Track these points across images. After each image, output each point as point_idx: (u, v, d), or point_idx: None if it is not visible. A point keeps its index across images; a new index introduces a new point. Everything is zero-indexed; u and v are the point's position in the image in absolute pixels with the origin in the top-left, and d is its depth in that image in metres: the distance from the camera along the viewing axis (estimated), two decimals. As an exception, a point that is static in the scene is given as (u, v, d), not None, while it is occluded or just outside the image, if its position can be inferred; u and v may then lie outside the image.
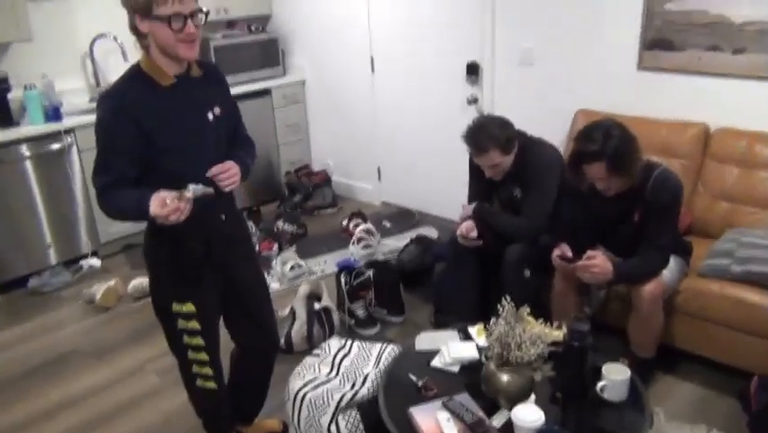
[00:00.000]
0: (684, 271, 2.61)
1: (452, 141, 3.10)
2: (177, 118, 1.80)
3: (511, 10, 3.67)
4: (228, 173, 1.84)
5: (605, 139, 2.28)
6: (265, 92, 4.78)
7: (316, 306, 2.99)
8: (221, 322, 2.12)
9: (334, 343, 2.48)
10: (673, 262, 2.52)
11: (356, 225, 3.97)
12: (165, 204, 1.66)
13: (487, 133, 2.67)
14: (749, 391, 2.43)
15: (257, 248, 3.78)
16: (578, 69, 3.50)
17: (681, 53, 3.12)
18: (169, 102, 1.79)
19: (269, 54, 4.87)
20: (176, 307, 1.94)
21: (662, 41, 3.17)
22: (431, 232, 4.05)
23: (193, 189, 1.69)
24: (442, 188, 4.29)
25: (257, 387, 2.35)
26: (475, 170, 2.90)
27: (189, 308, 1.94)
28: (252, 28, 4.84)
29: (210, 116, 1.88)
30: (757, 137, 2.90)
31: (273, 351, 2.31)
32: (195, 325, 1.96)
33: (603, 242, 2.60)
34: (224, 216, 1.97)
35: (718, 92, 3.06)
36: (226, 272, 2.03)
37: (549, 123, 3.43)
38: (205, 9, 1.77)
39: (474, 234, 2.81)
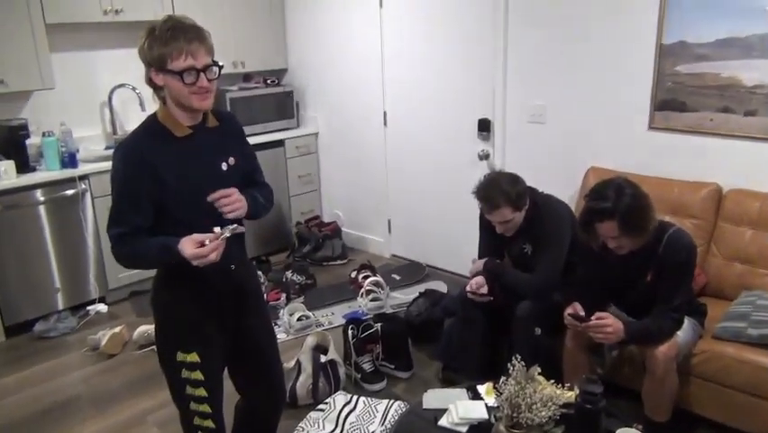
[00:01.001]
0: (699, 332, 2.56)
1: (463, 195, 3.10)
2: (190, 168, 1.81)
3: (523, 68, 3.72)
4: (230, 199, 1.81)
5: (617, 197, 2.26)
6: (278, 143, 4.84)
7: (323, 358, 2.94)
8: (226, 373, 2.09)
9: (340, 398, 2.43)
10: (688, 323, 2.47)
11: (365, 278, 3.94)
12: (201, 244, 1.68)
13: (498, 189, 2.67)
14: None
15: (264, 298, 3.76)
16: (589, 128, 3.52)
17: (692, 114, 3.14)
18: (184, 152, 1.81)
19: (284, 106, 4.95)
20: (180, 356, 1.91)
21: (673, 102, 3.20)
22: (440, 286, 4.01)
23: (230, 229, 1.74)
24: (452, 243, 4.28)
25: None
26: (485, 226, 2.89)
27: (194, 358, 1.91)
28: (268, 81, 4.94)
29: (224, 166, 1.89)
30: (770, 197, 2.89)
31: (280, 405, 2.25)
32: (198, 375, 1.93)
33: (615, 301, 2.56)
34: (233, 266, 1.96)
35: (731, 153, 3.06)
36: (234, 323, 2.01)
37: (560, 180, 3.44)
38: (220, 63, 1.80)
39: (484, 289, 2.79)
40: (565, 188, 3.36)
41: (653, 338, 2.37)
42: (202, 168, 1.84)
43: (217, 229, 1.73)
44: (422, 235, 4.57)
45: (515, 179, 2.74)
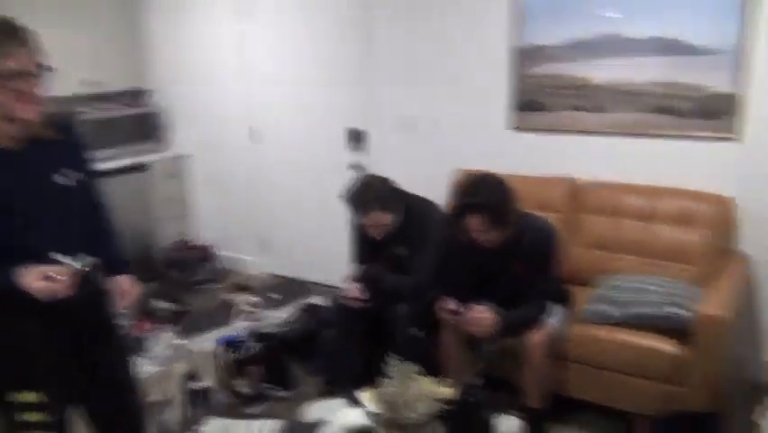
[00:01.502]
0: (569, 318, 2.64)
1: (337, 208, 3.05)
2: (17, 183, 1.64)
3: (391, 78, 3.76)
4: (130, 295, 1.80)
5: (483, 192, 2.31)
6: (144, 166, 4.56)
7: (194, 386, 2.74)
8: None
9: (213, 424, 2.26)
10: (557, 309, 2.55)
11: (241, 299, 3.75)
12: (45, 277, 1.53)
13: (369, 192, 2.65)
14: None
15: (130, 329, 3.51)
16: (456, 132, 3.61)
17: (550, 114, 3.29)
18: (9, 164, 1.63)
19: (148, 128, 4.68)
20: (15, 396, 1.67)
21: (531, 103, 3.34)
22: (321, 301, 3.90)
23: (85, 264, 1.61)
24: (330, 256, 4.17)
25: None
26: (358, 231, 2.85)
27: (33, 397, 1.68)
28: (130, 102, 4.65)
29: (59, 180, 1.72)
30: (622, 189, 3.08)
31: None
32: (40, 417, 1.70)
33: (487, 295, 2.57)
34: (83, 295, 1.75)
35: (585, 149, 3.24)
36: (84, 358, 1.81)
37: (432, 185, 3.44)
38: (48, 65, 1.63)
39: (360, 295, 2.73)
40: (437, 193, 3.37)
41: (526, 326, 2.42)
42: (32, 183, 1.67)
43: (67, 260, 1.58)
44: (300, 252, 4.47)
45: (385, 182, 2.73)
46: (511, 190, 2.40)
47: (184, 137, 4.82)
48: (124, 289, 1.84)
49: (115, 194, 3.76)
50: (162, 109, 4.78)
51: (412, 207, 2.78)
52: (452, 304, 2.44)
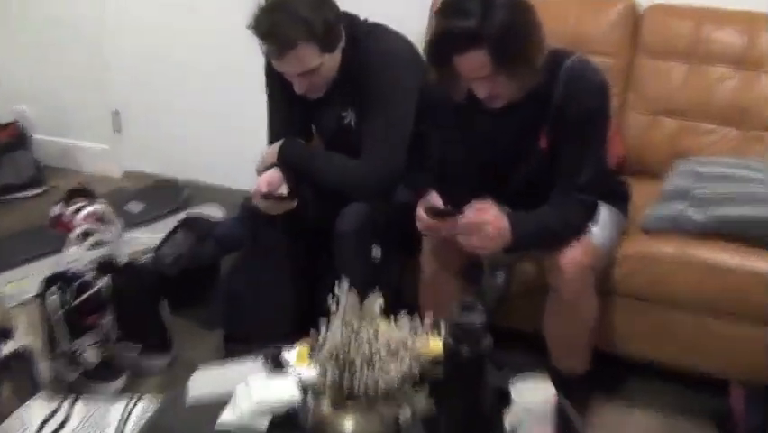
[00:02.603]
0: (623, 226, 2.63)
1: (236, 68, 2.93)
2: None
3: None
4: None
5: (485, 11, 2.19)
6: None
7: (3, 350, 2.69)
8: None
9: (38, 407, 2.19)
10: (606, 212, 2.52)
11: (77, 211, 3.65)
12: None
13: (291, 17, 2.50)
14: (731, 407, 2.50)
15: None
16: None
17: None
18: None
19: None
20: None
21: None
22: (213, 211, 3.93)
23: None
24: (225, 144, 4.27)
25: None
26: (278, 87, 2.80)
27: None
28: None
29: None
30: (707, 15, 3.07)
31: None
32: None
33: (492, 189, 2.51)
34: None
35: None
36: None
37: (394, 15, 3.34)
38: None
39: (282, 190, 2.67)
40: (404, 27, 3.27)
41: (557, 237, 2.38)
42: None
43: None
44: (175, 137, 4.48)
45: (319, 1, 2.60)
46: (529, 9, 2.30)
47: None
48: None
49: None
50: None
51: (363, 43, 2.70)
52: (437, 201, 2.39)
